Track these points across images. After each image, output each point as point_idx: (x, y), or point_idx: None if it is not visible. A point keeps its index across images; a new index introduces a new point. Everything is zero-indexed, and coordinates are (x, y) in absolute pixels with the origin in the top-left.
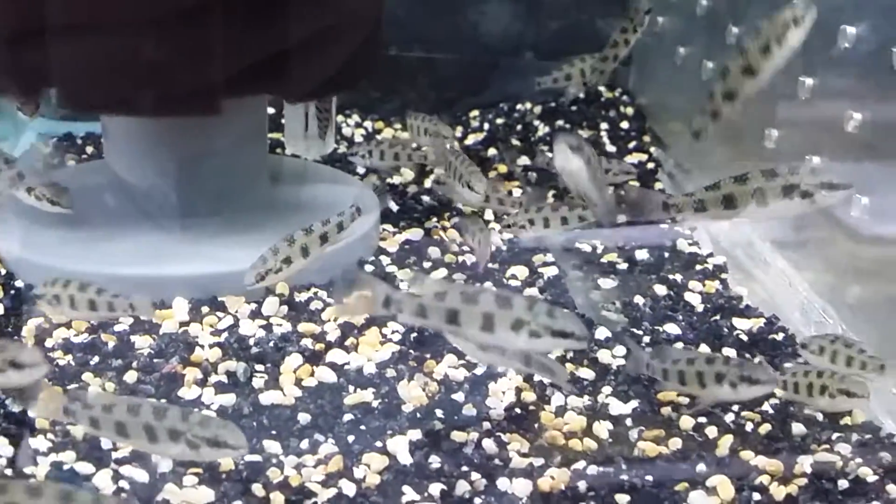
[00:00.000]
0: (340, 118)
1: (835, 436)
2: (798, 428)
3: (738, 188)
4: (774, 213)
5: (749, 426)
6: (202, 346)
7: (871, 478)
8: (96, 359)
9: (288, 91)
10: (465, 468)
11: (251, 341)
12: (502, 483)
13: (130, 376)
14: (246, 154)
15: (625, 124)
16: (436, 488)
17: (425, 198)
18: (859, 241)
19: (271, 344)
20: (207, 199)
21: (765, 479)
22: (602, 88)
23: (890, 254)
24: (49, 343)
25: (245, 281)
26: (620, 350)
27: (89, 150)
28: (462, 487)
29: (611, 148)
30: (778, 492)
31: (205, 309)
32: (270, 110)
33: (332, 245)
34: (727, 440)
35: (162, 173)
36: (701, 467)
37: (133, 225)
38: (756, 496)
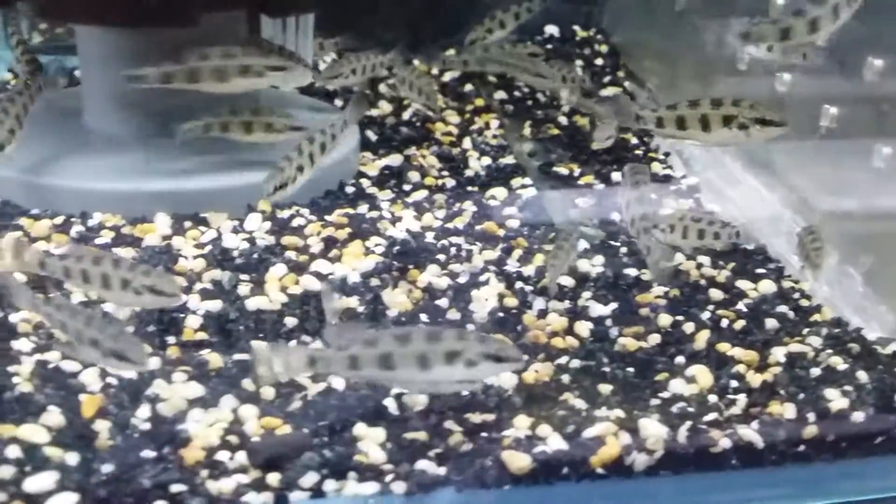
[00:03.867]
0: (316, 57)
1: (805, 330)
2: (771, 323)
3: (688, 112)
4: (715, 140)
5: (724, 322)
6: (186, 258)
7: (842, 366)
8: None
9: (266, 5)
10: None
11: (235, 253)
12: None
13: None
14: None
15: (599, 61)
16: None
17: (403, 129)
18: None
19: (255, 256)
20: (186, 119)
21: (741, 368)
22: (577, 27)
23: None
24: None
25: (264, 191)
26: (599, 259)
27: None
28: None
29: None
30: (754, 379)
31: (187, 224)
32: None
33: (328, 154)
34: (704, 335)
35: (139, 93)
36: (680, 359)
37: (111, 144)
38: (734, 383)
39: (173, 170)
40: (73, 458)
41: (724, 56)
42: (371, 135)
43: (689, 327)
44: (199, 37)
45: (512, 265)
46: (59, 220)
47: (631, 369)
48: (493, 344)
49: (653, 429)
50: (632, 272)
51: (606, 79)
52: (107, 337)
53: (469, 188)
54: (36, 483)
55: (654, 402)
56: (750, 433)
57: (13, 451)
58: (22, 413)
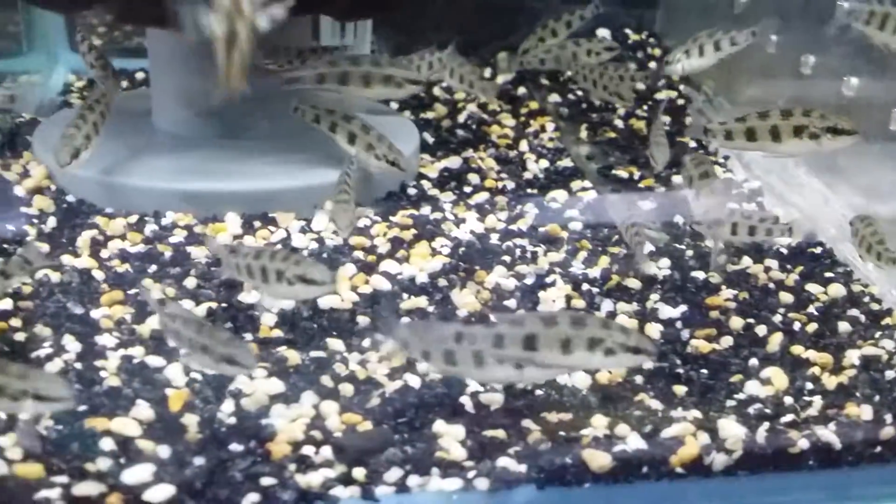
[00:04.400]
0: None
1: (878, 333)
2: (843, 326)
3: (758, 123)
4: (786, 151)
5: (797, 325)
6: None
7: None
8: (154, 267)
9: (335, 8)
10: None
11: (304, 252)
12: (561, 377)
13: (190, 282)
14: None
15: (653, 65)
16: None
17: (459, 131)
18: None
19: (325, 255)
20: (255, 121)
21: (816, 370)
22: (629, 31)
23: None
24: (105, 253)
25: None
26: (665, 262)
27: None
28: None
29: (640, 86)
30: (829, 381)
31: (256, 223)
32: None
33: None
34: (777, 338)
35: (211, 95)
36: (753, 361)
37: (180, 144)
38: (809, 385)
39: (242, 170)
40: (164, 451)
41: (788, 59)
42: (428, 137)
43: (761, 330)
44: (264, 39)
45: (577, 267)
46: (133, 218)
47: (705, 371)
48: (633, 336)
49: (732, 429)
50: (699, 275)
51: (660, 83)
52: (217, 343)
53: (529, 190)
54: (134, 475)
55: (730, 403)
56: (827, 434)
57: (108, 444)
58: (112, 406)
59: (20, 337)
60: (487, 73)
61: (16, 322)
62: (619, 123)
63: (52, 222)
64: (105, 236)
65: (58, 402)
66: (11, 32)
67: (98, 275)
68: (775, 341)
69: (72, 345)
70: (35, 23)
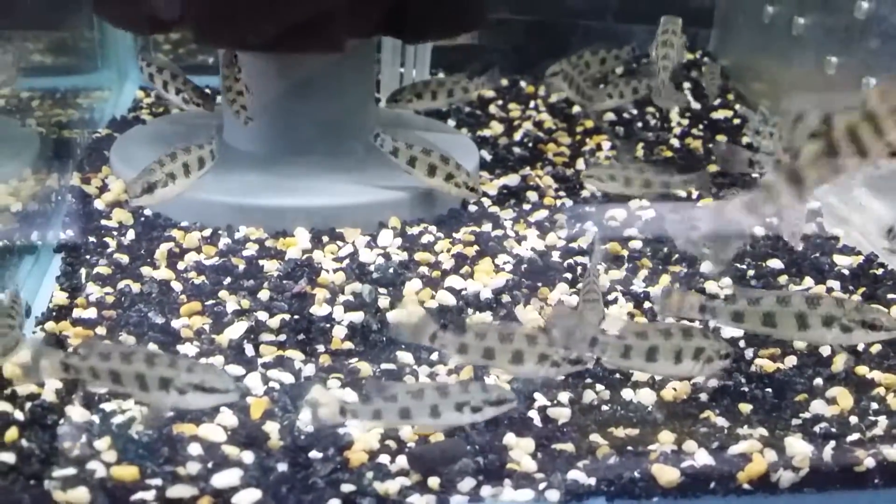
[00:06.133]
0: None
1: None
2: None
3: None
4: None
5: (861, 346)
6: (327, 271)
7: None
8: (229, 279)
9: (407, 31)
10: (588, 380)
11: (371, 267)
12: (626, 393)
13: (264, 294)
14: (357, 98)
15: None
16: (564, 396)
17: (516, 149)
18: None
19: (391, 270)
20: (322, 138)
21: (881, 391)
22: (681, 56)
23: None
24: (181, 265)
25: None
26: (726, 281)
27: None
28: (588, 396)
29: (695, 105)
30: (895, 402)
31: (325, 238)
32: None
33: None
34: (841, 358)
35: (281, 112)
36: (818, 381)
37: (252, 160)
38: (874, 405)
39: (310, 187)
40: (249, 457)
41: (847, 81)
42: (486, 154)
43: (825, 350)
44: (333, 60)
45: (638, 285)
46: (207, 232)
47: (769, 389)
48: (869, 312)
49: (799, 447)
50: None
51: (716, 102)
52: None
53: (587, 209)
54: (223, 479)
55: (796, 421)
56: (894, 453)
57: (196, 449)
58: (197, 413)
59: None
60: (542, 91)
61: (101, 330)
62: (675, 143)
63: (130, 235)
64: (181, 249)
65: (224, 395)
66: (85, 50)
67: (176, 286)
68: (839, 361)
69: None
70: (107, 40)
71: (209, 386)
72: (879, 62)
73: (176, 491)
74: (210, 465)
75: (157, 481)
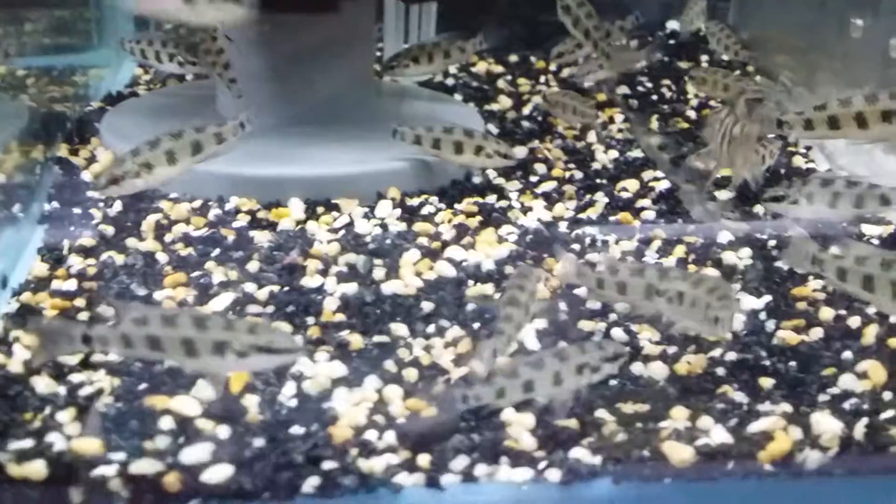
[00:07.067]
0: None
1: None
2: None
3: (841, 110)
4: (874, 138)
5: (894, 317)
6: (321, 242)
7: None
8: (217, 251)
9: None
10: None
11: (368, 238)
12: (636, 367)
13: (252, 266)
14: (356, 66)
15: (725, 56)
16: None
17: (525, 123)
18: None
19: (388, 241)
20: (319, 108)
21: None
22: (700, 24)
23: None
24: (168, 237)
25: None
26: (745, 251)
27: None
28: None
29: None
30: None
31: (320, 209)
32: None
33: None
34: (872, 329)
35: (277, 80)
36: (847, 354)
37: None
38: None
39: (305, 156)
40: (224, 432)
41: (875, 47)
42: (492, 128)
43: (854, 321)
44: (330, 24)
45: (650, 256)
46: (198, 203)
47: (793, 363)
48: None
49: (827, 424)
50: (784, 265)
51: (735, 73)
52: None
53: (598, 181)
54: (192, 454)
55: (823, 397)
56: None
57: (167, 423)
58: (173, 386)
59: (83, 317)
60: (553, 66)
61: (79, 302)
62: (691, 114)
63: (117, 206)
64: (169, 220)
65: (289, 355)
66: (82, 28)
67: (161, 257)
68: (870, 333)
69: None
70: (105, 18)
71: (276, 346)
72: None
73: (140, 466)
74: (181, 440)
75: (121, 455)
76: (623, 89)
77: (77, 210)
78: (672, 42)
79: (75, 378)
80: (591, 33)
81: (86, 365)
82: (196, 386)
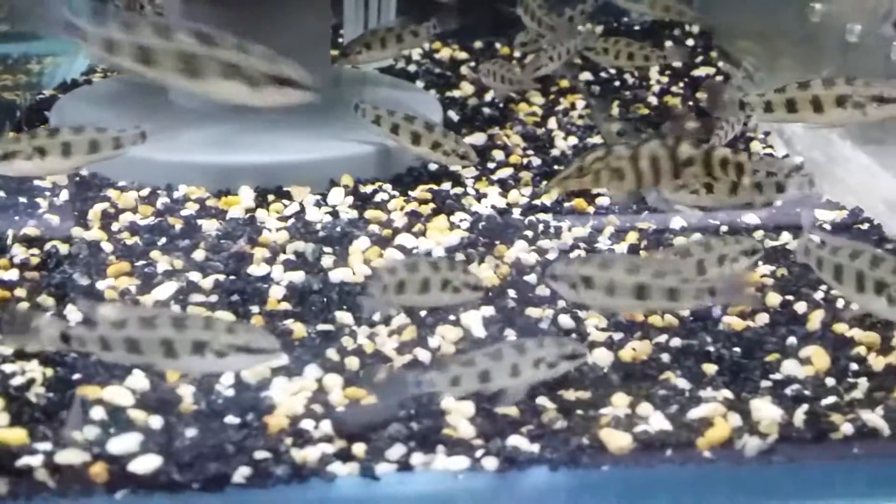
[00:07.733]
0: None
1: None
2: None
3: (799, 94)
4: (829, 122)
5: (840, 302)
6: (269, 230)
7: None
8: (164, 240)
9: None
10: None
11: (318, 226)
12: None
13: (199, 255)
14: (310, 50)
15: (690, 42)
16: None
17: (486, 110)
18: None
19: (338, 229)
20: None
21: (861, 350)
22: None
23: None
24: (115, 226)
25: None
26: (695, 236)
27: None
28: None
29: (677, 64)
30: (877, 362)
31: (270, 197)
32: None
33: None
34: (818, 315)
35: None
36: (791, 340)
37: (198, 118)
38: (854, 366)
39: (257, 143)
40: (156, 422)
41: (835, 32)
42: (453, 115)
43: (800, 307)
44: (283, 9)
45: (603, 242)
46: (146, 192)
47: (738, 349)
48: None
49: (767, 410)
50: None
51: (698, 59)
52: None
53: (556, 167)
54: (120, 444)
55: (766, 383)
56: (875, 419)
57: (98, 413)
58: (107, 376)
59: (23, 307)
60: (517, 53)
61: (20, 292)
62: (653, 100)
63: (63, 195)
64: (116, 209)
65: (269, 355)
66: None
67: (107, 247)
68: (816, 319)
69: (73, 314)
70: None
71: (255, 347)
72: (864, 6)
73: (65, 456)
74: (111, 430)
75: (47, 446)
76: (586, 75)
77: (23, 199)
78: (637, 28)
79: (7, 368)
80: (535, 11)
81: (21, 355)
82: (131, 376)
